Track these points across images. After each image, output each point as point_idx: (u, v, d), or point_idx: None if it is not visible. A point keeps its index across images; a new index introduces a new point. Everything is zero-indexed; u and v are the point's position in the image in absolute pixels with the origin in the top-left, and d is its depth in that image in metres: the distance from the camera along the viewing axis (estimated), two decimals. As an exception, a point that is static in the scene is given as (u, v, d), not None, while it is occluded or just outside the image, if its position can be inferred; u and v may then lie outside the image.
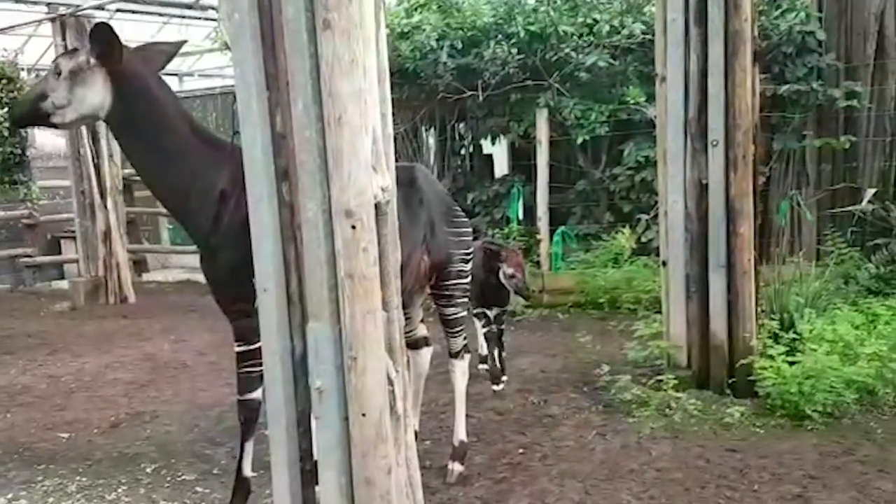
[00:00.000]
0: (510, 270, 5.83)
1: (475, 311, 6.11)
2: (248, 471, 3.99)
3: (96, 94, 3.64)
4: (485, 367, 6.29)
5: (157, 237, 14.19)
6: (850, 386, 5.04)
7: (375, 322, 2.44)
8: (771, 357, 5.13)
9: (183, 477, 4.71)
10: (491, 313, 6.11)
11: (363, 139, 2.35)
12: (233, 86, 2.65)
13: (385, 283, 2.50)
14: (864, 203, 8.52)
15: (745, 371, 5.34)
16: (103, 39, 3.55)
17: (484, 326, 6.14)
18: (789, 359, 5.10)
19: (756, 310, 5.47)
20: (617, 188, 9.41)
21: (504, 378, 6.07)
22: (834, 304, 6.47)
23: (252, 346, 3.71)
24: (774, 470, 4.34)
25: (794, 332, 5.43)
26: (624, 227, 8.81)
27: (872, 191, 8.56)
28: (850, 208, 8.73)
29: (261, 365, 3.76)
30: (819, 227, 8.83)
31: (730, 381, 5.48)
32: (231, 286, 3.68)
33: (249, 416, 3.91)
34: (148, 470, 4.84)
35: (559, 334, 7.86)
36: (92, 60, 3.61)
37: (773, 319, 5.65)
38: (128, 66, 3.64)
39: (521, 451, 4.84)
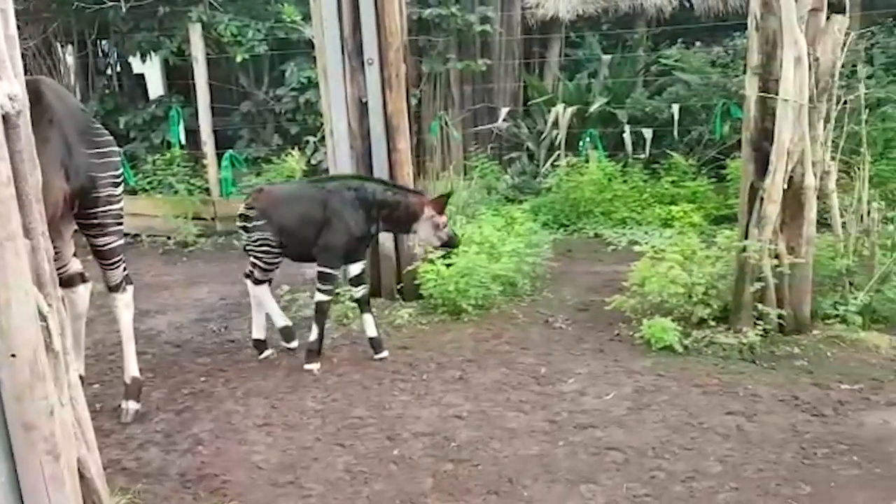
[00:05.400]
0: (443, 219, 4.80)
1: (327, 272, 4.79)
2: None
3: None
4: (289, 345, 5.08)
5: None
6: (496, 280, 5.80)
7: (17, 251, 2.14)
8: (431, 261, 5.65)
9: None
10: (355, 269, 4.90)
11: (-23, 37, 1.98)
12: None
13: (24, 207, 2.19)
14: (499, 121, 9.66)
15: (411, 276, 5.82)
16: None
17: (327, 294, 4.81)
18: (446, 261, 5.67)
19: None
20: (282, 110, 9.32)
21: (384, 352, 4.94)
22: (480, 211, 7.31)
23: None
24: (439, 360, 4.88)
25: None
26: (293, 149, 8.80)
27: (506, 110, 9.73)
28: (488, 126, 9.83)
29: None
30: (465, 143, 9.79)
31: (398, 288, 5.95)
32: None
33: None
34: None
35: (236, 261, 7.65)
36: None
37: (438, 251, 6.16)
38: None
39: (202, 378, 4.74)
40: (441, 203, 4.83)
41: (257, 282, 5.04)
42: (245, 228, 4.91)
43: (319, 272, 4.81)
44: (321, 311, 4.84)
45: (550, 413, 4.07)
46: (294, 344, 5.06)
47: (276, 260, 4.96)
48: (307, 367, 4.77)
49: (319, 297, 4.81)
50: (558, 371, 4.63)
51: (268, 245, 4.86)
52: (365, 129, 5.76)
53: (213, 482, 3.52)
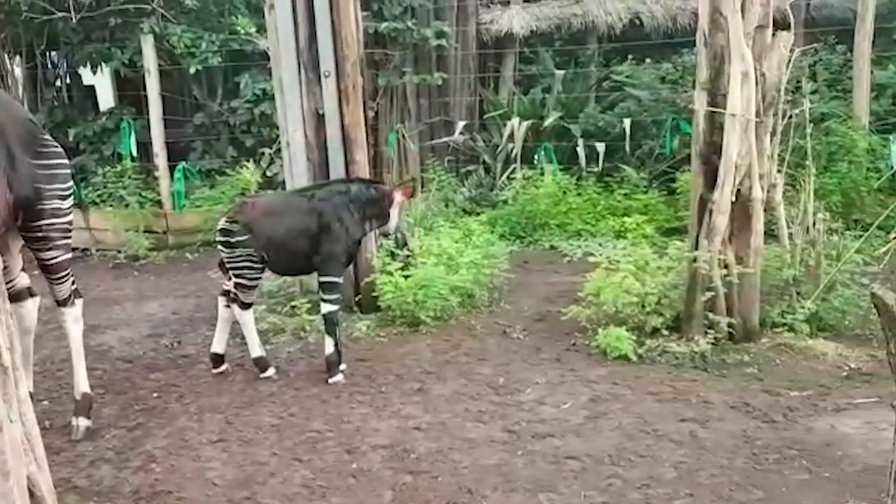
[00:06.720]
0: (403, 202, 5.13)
1: (332, 281, 4.75)
2: None
3: None
4: (264, 375, 4.84)
5: None
6: (454, 291, 5.81)
7: (-37, 264, 2.09)
8: (390, 273, 5.65)
9: None
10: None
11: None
12: None
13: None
14: (456, 135, 9.73)
15: (369, 288, 5.80)
16: None
17: (334, 304, 4.75)
18: (405, 273, 5.67)
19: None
20: (237, 122, 9.23)
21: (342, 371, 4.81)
22: (437, 223, 7.34)
23: None
24: (397, 371, 4.87)
25: (408, 250, 6.03)
26: (248, 161, 8.72)
27: (462, 123, 9.82)
28: (445, 139, 9.90)
29: None
30: (422, 156, 9.84)
31: (356, 300, 5.92)
32: None
33: None
34: None
35: (189, 275, 7.59)
36: None
37: (389, 239, 6.19)
38: None
39: (155, 394, 4.64)
40: (410, 188, 5.08)
41: (244, 305, 4.79)
42: (227, 244, 4.66)
43: (324, 283, 4.73)
44: (332, 322, 4.73)
45: (509, 423, 4.10)
46: (269, 373, 4.83)
47: (260, 276, 4.79)
48: (331, 380, 4.68)
49: (328, 308, 4.72)
50: (516, 381, 4.66)
51: (251, 260, 4.66)
52: (322, 140, 5.75)
53: (167, 499, 3.45)
